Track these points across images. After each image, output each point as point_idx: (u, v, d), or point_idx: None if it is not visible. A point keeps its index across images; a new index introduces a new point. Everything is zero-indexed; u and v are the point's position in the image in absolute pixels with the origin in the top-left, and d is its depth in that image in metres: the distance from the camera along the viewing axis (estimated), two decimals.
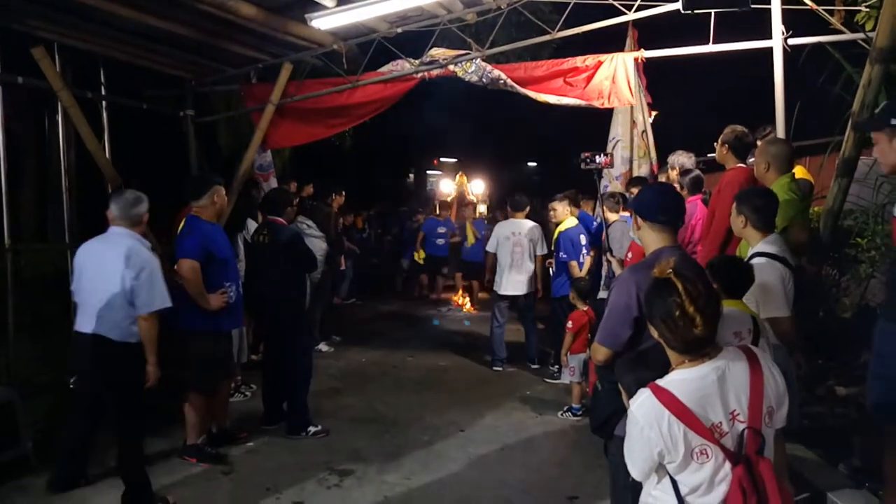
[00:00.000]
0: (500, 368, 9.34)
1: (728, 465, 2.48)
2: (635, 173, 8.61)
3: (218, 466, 5.91)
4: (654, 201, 3.67)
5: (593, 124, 9.98)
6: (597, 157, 6.83)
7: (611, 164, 7.36)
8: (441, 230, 15.31)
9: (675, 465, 2.52)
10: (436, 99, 14.75)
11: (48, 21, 7.48)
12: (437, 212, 16.42)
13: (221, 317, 5.90)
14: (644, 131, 8.63)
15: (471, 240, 14.90)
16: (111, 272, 4.97)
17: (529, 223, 9.43)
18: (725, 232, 5.12)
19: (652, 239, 3.61)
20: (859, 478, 4.80)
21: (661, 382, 2.58)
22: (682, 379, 2.56)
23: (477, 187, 21.18)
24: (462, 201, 19.21)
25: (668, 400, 2.50)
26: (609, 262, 7.20)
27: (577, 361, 7.28)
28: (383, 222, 19.20)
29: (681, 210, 3.76)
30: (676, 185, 7.06)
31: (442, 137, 26.33)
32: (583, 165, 6.89)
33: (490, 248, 9.59)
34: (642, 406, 2.56)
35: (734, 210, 4.50)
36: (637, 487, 3.06)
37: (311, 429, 6.67)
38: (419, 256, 15.43)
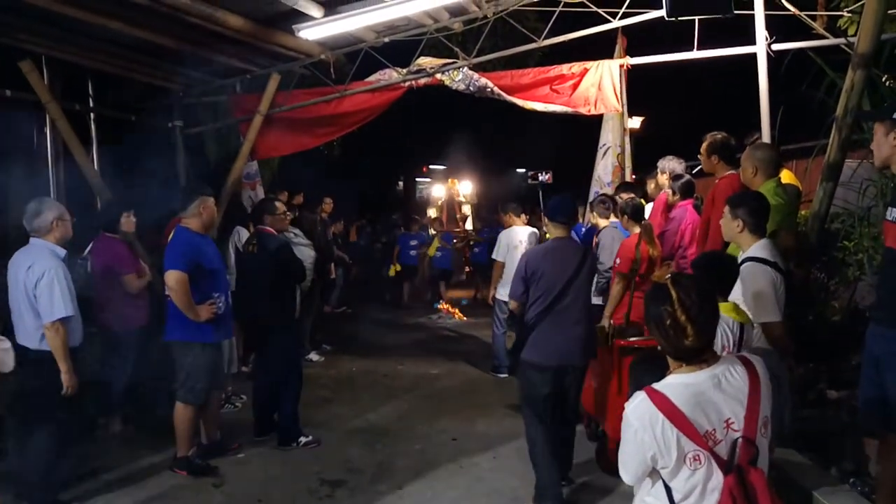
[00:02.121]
0: (504, 375, 9.31)
1: (720, 473, 2.47)
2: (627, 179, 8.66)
3: (208, 479, 5.87)
4: (556, 207, 5.58)
5: (582, 131, 10.02)
6: (540, 175, 7.14)
7: (551, 180, 7.50)
8: (413, 243, 16.46)
9: (668, 470, 2.51)
10: (424, 107, 14.84)
11: (36, 34, 7.48)
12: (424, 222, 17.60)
13: (210, 327, 5.87)
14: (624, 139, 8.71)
15: (432, 251, 16.34)
16: (20, 281, 5.04)
17: (530, 229, 9.43)
18: (722, 241, 5.12)
19: (552, 232, 5.56)
20: (851, 481, 4.81)
21: (656, 386, 2.57)
22: (679, 383, 2.55)
23: (465, 188, 22.02)
24: (452, 205, 19.73)
25: (662, 403, 2.49)
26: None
27: None
28: (373, 230, 19.23)
29: (574, 214, 5.91)
30: (668, 190, 7.08)
31: (431, 145, 26.38)
32: (529, 181, 7.16)
33: (499, 256, 9.25)
34: (637, 409, 2.55)
35: (728, 214, 4.47)
36: (535, 402, 5.40)
37: (302, 439, 6.64)
38: (394, 269, 16.51)
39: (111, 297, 6.54)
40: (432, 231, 17.96)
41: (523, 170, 35.63)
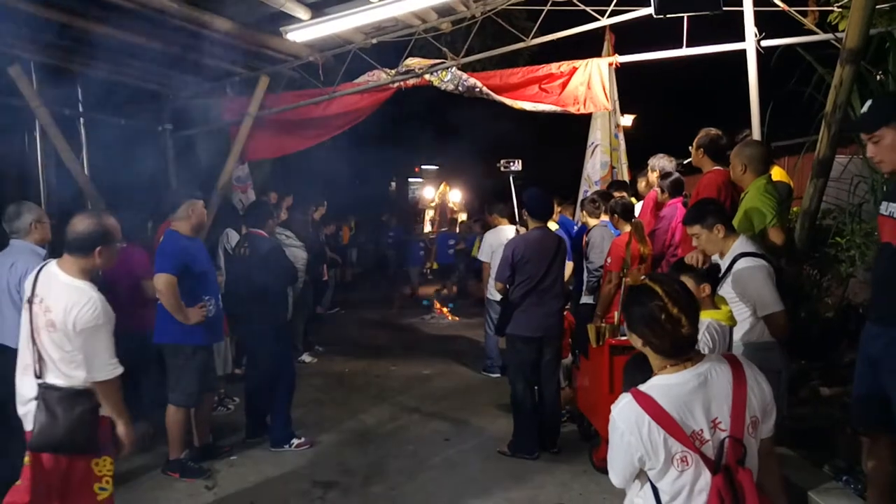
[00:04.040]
0: (497, 375, 9.31)
1: (708, 473, 2.47)
2: (622, 177, 8.66)
3: (201, 481, 5.86)
4: (537, 206, 6.54)
5: (573, 128, 10.01)
6: (511, 164, 7.24)
7: (521, 168, 7.58)
8: (451, 242, 17.47)
9: (655, 471, 2.51)
10: (415, 107, 14.82)
11: (24, 39, 7.44)
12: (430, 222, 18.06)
13: (200, 330, 5.85)
14: (616, 136, 8.70)
15: (475, 252, 16.20)
16: (3, 280, 5.07)
17: (514, 228, 9.40)
18: None
19: (532, 223, 6.52)
20: (844, 479, 4.81)
21: (642, 387, 2.56)
22: (664, 384, 2.54)
23: (455, 196, 22.18)
24: (444, 209, 19.91)
25: (648, 405, 2.48)
26: (586, 268, 7.27)
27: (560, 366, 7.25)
28: (365, 231, 19.23)
29: (550, 211, 7.00)
30: (657, 189, 7.08)
31: (423, 145, 26.30)
32: (502, 169, 7.29)
33: (485, 257, 9.21)
34: (623, 411, 2.54)
35: (703, 230, 4.44)
36: (524, 367, 6.46)
37: (295, 441, 6.63)
38: (432, 267, 17.45)
39: (135, 303, 6.31)
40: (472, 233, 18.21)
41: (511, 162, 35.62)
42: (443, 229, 19.00)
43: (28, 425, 3.90)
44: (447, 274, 17.48)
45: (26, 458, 3.94)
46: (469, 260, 16.63)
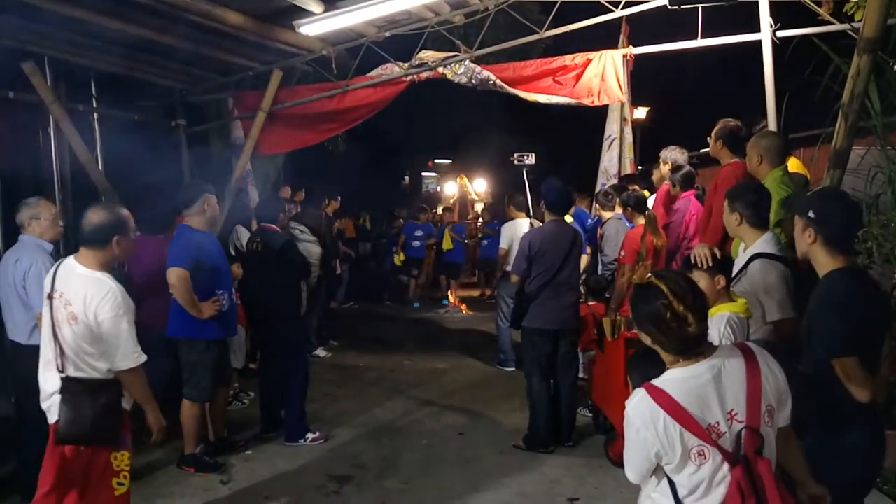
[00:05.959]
0: (511, 369, 9.29)
1: (726, 466, 2.44)
2: (625, 171, 8.62)
3: (216, 475, 5.88)
4: (556, 201, 6.58)
5: (589, 121, 9.96)
6: (525, 157, 7.25)
7: (529, 167, 7.59)
8: (418, 233, 15.82)
9: (672, 465, 2.49)
10: (428, 100, 14.77)
11: (38, 35, 7.46)
12: (430, 215, 17.29)
13: (214, 324, 5.86)
14: (623, 130, 8.67)
15: (448, 244, 15.82)
16: (10, 276, 5.09)
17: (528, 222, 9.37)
18: (724, 228, 5.05)
19: (549, 216, 6.59)
20: None
21: (656, 382, 2.54)
22: (677, 378, 2.53)
23: (479, 186, 22.01)
24: (465, 203, 19.57)
25: (663, 400, 2.47)
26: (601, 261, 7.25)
27: (581, 358, 7.22)
28: (380, 226, 19.16)
29: (568, 204, 7.22)
30: (668, 183, 7.03)
31: (436, 138, 26.29)
32: (515, 162, 7.32)
33: (504, 244, 9.11)
34: (637, 407, 2.52)
35: (726, 209, 4.34)
36: (540, 360, 6.45)
37: (310, 435, 6.64)
38: (399, 259, 15.82)
39: (162, 296, 6.08)
40: (442, 224, 17.63)
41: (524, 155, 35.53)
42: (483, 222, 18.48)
43: (51, 419, 3.95)
44: (413, 269, 16.11)
45: None
46: (440, 254, 16.12)
